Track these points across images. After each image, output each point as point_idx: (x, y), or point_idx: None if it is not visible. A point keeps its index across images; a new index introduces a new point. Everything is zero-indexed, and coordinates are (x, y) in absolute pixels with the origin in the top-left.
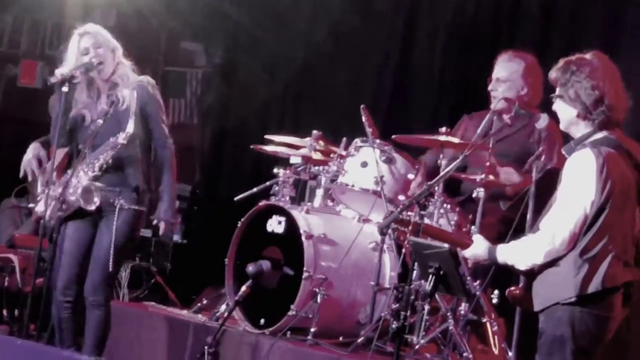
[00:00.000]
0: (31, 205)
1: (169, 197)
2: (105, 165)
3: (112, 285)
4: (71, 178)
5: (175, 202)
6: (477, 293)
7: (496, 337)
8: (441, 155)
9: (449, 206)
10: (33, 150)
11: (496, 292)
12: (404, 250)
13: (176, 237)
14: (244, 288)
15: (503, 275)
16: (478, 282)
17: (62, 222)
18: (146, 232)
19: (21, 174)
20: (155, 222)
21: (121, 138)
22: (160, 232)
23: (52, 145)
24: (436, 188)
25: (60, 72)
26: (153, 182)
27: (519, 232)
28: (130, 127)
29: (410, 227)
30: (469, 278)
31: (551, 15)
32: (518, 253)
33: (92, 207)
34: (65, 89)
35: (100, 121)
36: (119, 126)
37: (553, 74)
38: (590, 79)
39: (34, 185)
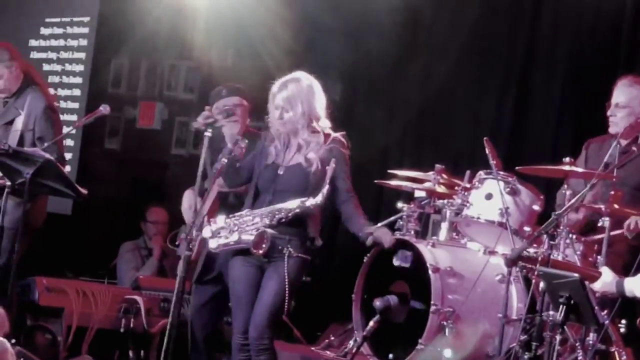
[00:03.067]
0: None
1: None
2: (284, 219)
3: (276, 329)
4: (246, 217)
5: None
6: (605, 322)
7: None
8: (565, 186)
9: (574, 236)
10: (188, 200)
11: (624, 321)
12: (534, 281)
13: None
14: (371, 323)
15: (630, 304)
16: (606, 311)
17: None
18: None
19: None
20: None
21: (310, 205)
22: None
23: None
24: (562, 219)
25: (202, 117)
26: (319, 238)
27: None
28: (321, 198)
29: (537, 264)
30: (596, 307)
31: None
32: None
33: (259, 252)
34: (208, 133)
35: (282, 170)
36: (305, 181)
37: None
38: None
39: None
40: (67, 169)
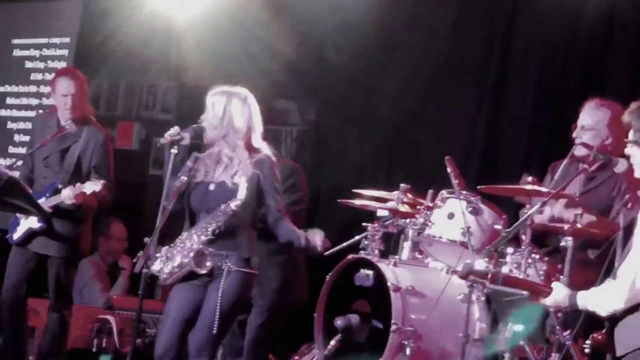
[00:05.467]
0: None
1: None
2: (217, 230)
3: (216, 347)
4: (185, 241)
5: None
6: (568, 343)
7: None
8: (527, 206)
9: (537, 256)
10: None
11: (588, 341)
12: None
13: None
14: (332, 342)
15: (595, 324)
16: (568, 331)
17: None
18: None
19: None
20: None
21: (233, 205)
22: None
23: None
24: (523, 237)
25: (169, 134)
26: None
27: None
28: (242, 195)
29: (488, 279)
30: (558, 327)
31: None
32: (598, 299)
33: (204, 271)
34: (174, 150)
35: (213, 186)
36: (233, 191)
37: (626, 117)
38: None
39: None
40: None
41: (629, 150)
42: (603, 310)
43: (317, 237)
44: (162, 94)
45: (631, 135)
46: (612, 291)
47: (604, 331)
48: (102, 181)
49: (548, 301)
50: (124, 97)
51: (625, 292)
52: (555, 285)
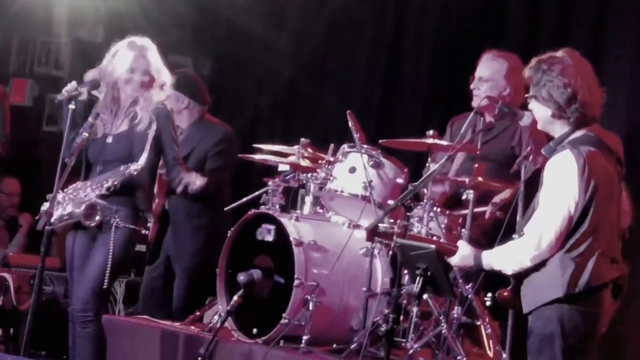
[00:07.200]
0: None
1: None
2: (113, 188)
3: (104, 301)
4: (79, 190)
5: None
6: (470, 296)
7: (490, 340)
8: (429, 159)
9: (438, 209)
10: None
11: (489, 295)
12: (390, 253)
13: None
14: (235, 298)
15: (496, 278)
16: (470, 284)
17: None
18: (141, 247)
19: None
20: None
21: (132, 169)
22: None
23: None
24: (425, 190)
25: (66, 89)
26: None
27: (509, 233)
28: (143, 160)
29: (393, 240)
30: (460, 281)
31: (538, 22)
32: (504, 258)
33: (92, 224)
34: (72, 106)
35: (111, 138)
36: (131, 147)
37: (526, 73)
38: (561, 77)
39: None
40: None
41: (531, 105)
42: (509, 269)
43: (192, 179)
44: (55, 50)
45: (531, 90)
46: (518, 250)
47: (510, 288)
48: None
49: (454, 260)
50: (17, 53)
51: (531, 249)
52: (460, 244)
